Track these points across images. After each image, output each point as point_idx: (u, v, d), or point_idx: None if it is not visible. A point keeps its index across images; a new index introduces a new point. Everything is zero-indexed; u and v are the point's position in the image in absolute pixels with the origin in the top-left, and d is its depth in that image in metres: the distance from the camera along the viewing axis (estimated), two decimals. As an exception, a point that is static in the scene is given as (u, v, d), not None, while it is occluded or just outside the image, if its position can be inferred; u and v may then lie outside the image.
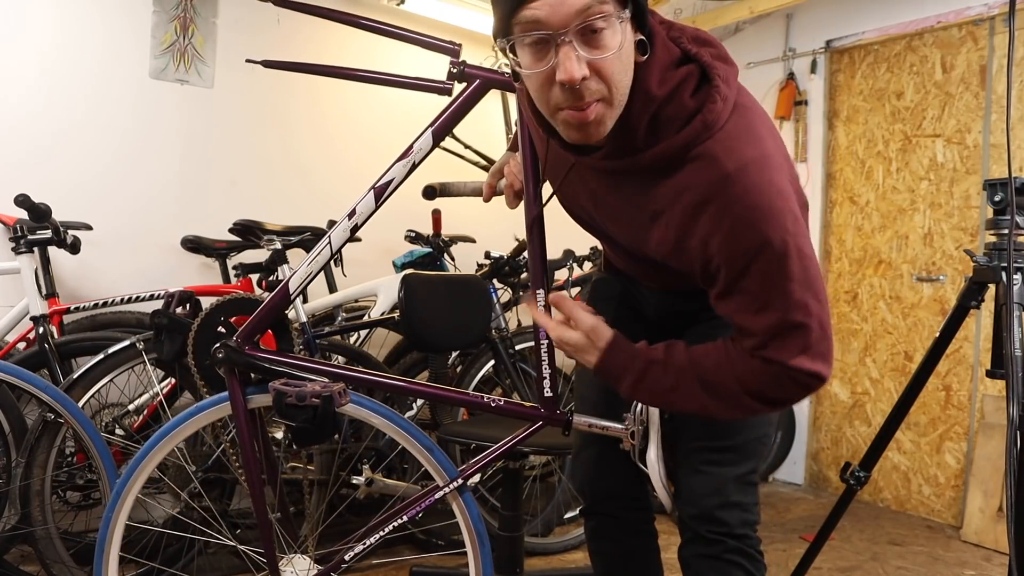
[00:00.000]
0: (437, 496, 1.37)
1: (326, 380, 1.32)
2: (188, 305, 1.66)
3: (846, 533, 2.90)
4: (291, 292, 1.33)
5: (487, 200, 1.35)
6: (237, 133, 2.90)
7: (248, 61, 1.46)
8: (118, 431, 2.21)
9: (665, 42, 1.03)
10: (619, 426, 1.28)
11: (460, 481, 1.38)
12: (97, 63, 2.60)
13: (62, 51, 2.54)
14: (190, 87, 2.79)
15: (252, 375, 1.40)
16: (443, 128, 1.32)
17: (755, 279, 0.99)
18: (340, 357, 2.55)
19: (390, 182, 1.30)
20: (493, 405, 1.33)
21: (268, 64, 1.40)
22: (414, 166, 1.31)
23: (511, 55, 0.98)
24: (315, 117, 3.09)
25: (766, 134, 1.02)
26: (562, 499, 2.70)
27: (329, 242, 1.32)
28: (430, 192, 1.51)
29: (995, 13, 2.94)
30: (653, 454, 1.25)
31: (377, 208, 1.31)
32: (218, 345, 1.35)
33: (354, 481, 2.21)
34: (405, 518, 1.37)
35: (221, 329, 1.46)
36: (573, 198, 1.20)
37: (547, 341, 1.27)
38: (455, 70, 1.31)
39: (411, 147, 1.31)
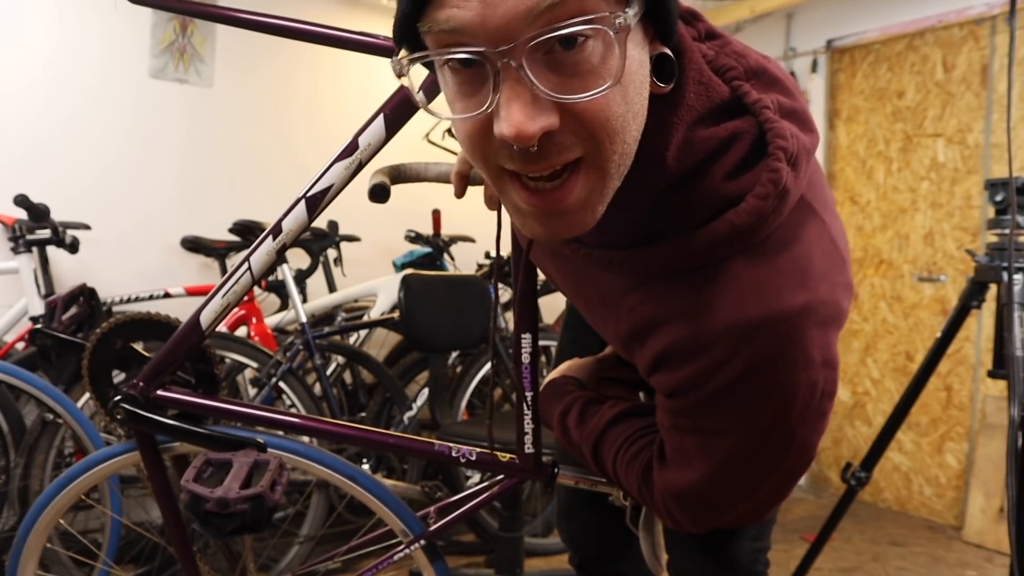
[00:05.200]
0: (397, 557, 1.14)
1: (255, 450, 1.07)
2: (83, 299, 1.36)
3: (847, 534, 2.89)
4: (204, 328, 1.08)
5: (459, 196, 0.98)
6: (237, 133, 2.90)
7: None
8: (117, 431, 2.20)
9: (703, 74, 0.64)
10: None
11: (424, 542, 1.14)
12: (96, 62, 2.60)
13: (61, 50, 2.54)
14: (189, 86, 2.79)
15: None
16: (399, 112, 0.99)
17: (718, 446, 0.70)
18: (340, 357, 2.55)
19: (327, 189, 1.01)
20: (464, 460, 1.08)
21: (137, 0, 1.15)
22: (360, 166, 1.01)
23: (408, 79, 0.59)
24: (315, 117, 3.08)
25: (825, 261, 0.66)
26: (562, 499, 2.69)
27: (249, 268, 1.05)
28: (380, 191, 1.05)
29: (996, 12, 2.93)
30: (643, 518, 1.07)
31: (311, 222, 1.04)
32: (117, 399, 1.08)
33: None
34: None
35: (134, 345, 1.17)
36: (539, 262, 0.92)
37: (532, 393, 1.03)
38: None
39: (355, 141, 0.99)
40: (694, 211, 0.64)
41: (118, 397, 1.08)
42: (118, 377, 1.17)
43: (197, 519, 0.98)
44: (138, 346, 1.17)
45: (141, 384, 1.09)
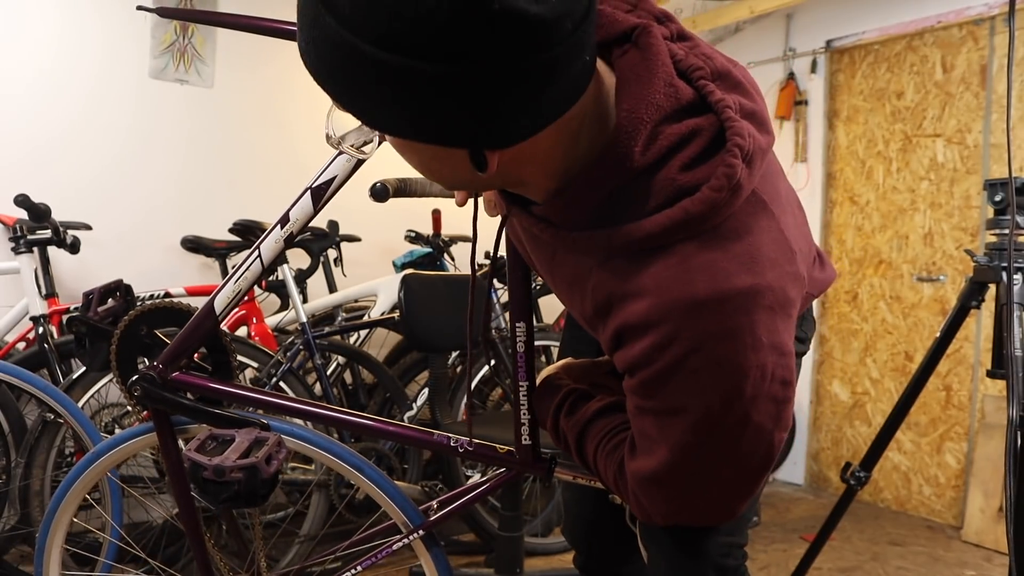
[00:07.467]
0: (396, 546, 1.18)
1: (257, 429, 1.12)
2: (119, 294, 1.42)
3: (846, 533, 2.90)
4: (218, 312, 1.15)
5: (461, 204, 1.04)
6: (237, 133, 2.90)
7: (139, 8, 1.25)
8: (118, 431, 2.21)
9: (670, 78, 0.70)
10: None
11: (423, 532, 1.19)
12: (97, 63, 2.60)
13: (62, 51, 2.54)
14: (190, 87, 2.79)
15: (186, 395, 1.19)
16: None
17: (674, 427, 0.73)
18: (340, 357, 2.55)
19: (331, 180, 1.10)
20: (461, 450, 1.12)
21: (163, 13, 1.21)
22: (361, 159, 1.08)
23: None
24: (315, 117, 3.08)
25: (773, 250, 0.70)
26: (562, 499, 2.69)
27: (259, 256, 1.14)
28: (381, 192, 1.17)
29: (996, 13, 2.93)
30: None
31: (317, 212, 1.12)
32: (136, 378, 1.16)
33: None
34: (360, 568, 1.19)
35: (152, 336, 1.25)
36: (518, 243, 0.99)
37: (527, 383, 1.05)
38: None
39: None
40: (652, 198, 0.69)
41: (136, 376, 1.16)
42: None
43: (195, 486, 1.05)
44: (161, 333, 1.24)
45: (160, 366, 1.17)
